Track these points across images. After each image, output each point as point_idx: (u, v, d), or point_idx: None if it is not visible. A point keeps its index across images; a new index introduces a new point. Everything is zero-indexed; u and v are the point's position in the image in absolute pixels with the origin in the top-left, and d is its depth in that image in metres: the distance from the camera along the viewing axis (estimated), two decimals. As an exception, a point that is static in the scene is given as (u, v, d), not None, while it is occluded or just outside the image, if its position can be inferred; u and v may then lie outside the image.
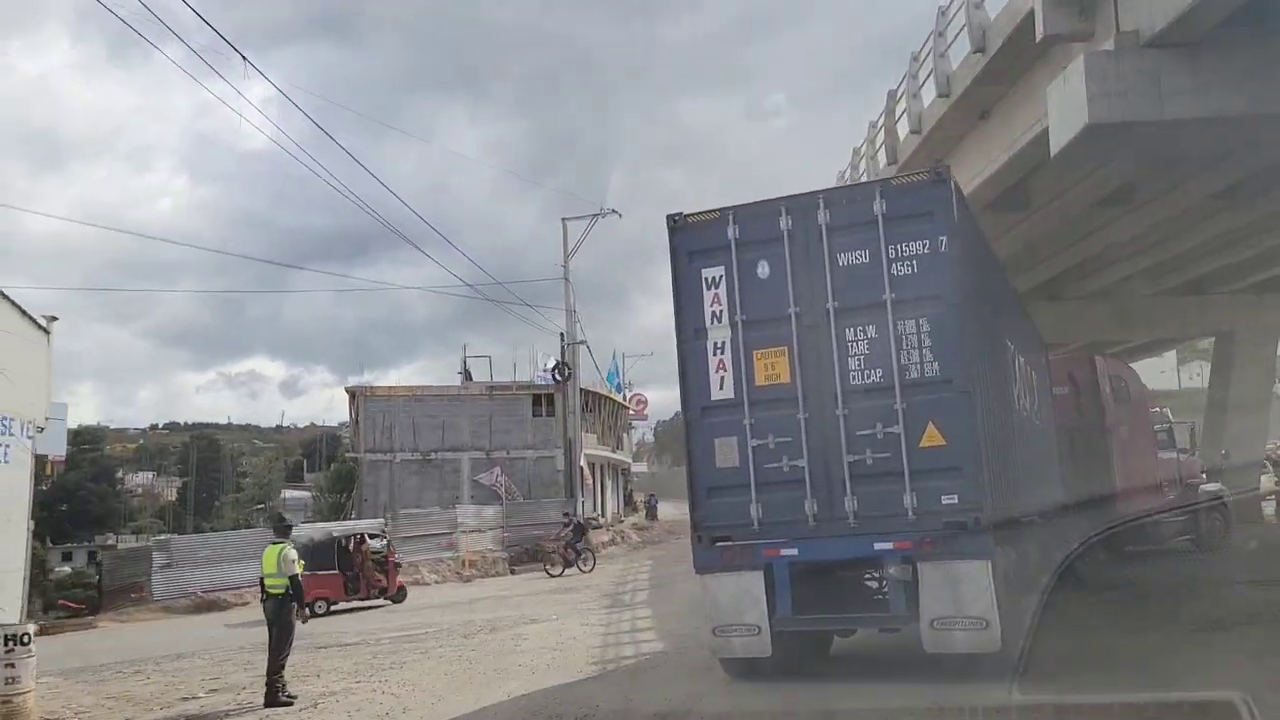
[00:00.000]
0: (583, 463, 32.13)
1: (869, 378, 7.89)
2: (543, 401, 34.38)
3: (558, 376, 32.59)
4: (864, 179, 20.85)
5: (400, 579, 20.50)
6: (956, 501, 7.51)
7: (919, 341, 7.79)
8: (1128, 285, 23.54)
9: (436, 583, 24.32)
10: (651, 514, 42.41)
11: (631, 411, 50.06)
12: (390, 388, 36.33)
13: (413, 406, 33.85)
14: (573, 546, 23.84)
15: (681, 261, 8.63)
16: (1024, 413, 10.79)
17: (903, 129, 18.60)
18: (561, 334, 32.33)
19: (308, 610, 17.28)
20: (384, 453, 33.13)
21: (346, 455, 36.58)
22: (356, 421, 34.50)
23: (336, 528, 21.44)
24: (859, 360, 7.94)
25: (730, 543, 8.11)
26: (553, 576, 22.73)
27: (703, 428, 8.38)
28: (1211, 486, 19.04)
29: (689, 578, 18.09)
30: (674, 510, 42.41)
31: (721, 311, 8.42)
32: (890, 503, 7.68)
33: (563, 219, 32.88)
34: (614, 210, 32.42)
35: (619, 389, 44.33)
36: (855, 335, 7.98)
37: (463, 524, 27.06)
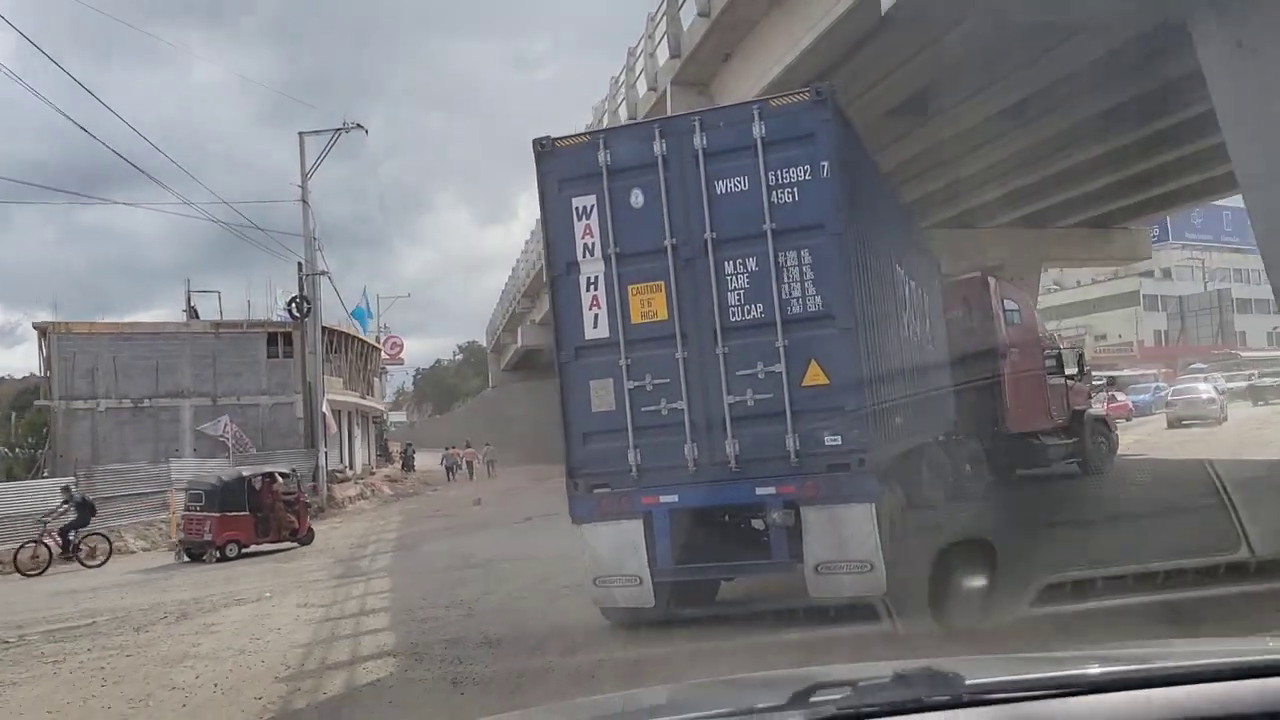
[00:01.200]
0: (326, 409, 28.22)
1: (749, 314, 7.44)
2: (279, 341, 30.19)
3: (295, 312, 28.35)
4: (640, 81, 19.49)
5: (108, 547, 18.61)
6: (840, 443, 7.18)
7: (801, 274, 7.34)
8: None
9: (145, 550, 20.47)
10: (408, 465, 40.80)
11: (385, 355, 46.58)
12: (91, 324, 30.47)
13: (120, 347, 28.88)
14: (66, 535, 17.83)
15: (550, 189, 7.96)
16: (914, 340, 10.54)
17: (687, 16, 17.05)
18: (300, 263, 28.01)
19: (218, 553, 17.32)
20: (85, 400, 28.34)
21: (36, 404, 31.07)
22: (48, 364, 29.04)
23: (246, 469, 20.41)
24: (739, 295, 7.47)
25: (607, 490, 7.66)
26: (28, 576, 16.86)
27: (577, 369, 7.83)
28: (1096, 411, 19.58)
29: (438, 535, 18.26)
30: (431, 460, 42.00)
31: (594, 244, 7.81)
32: (772, 445, 7.31)
33: (300, 133, 28.16)
34: (358, 125, 28.36)
35: (369, 328, 40.16)
36: (735, 268, 7.48)
37: (178, 481, 22.48)
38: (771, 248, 7.34)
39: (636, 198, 7.74)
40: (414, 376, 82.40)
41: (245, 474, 19.41)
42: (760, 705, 1.03)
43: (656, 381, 7.59)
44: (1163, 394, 33.63)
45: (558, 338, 7.95)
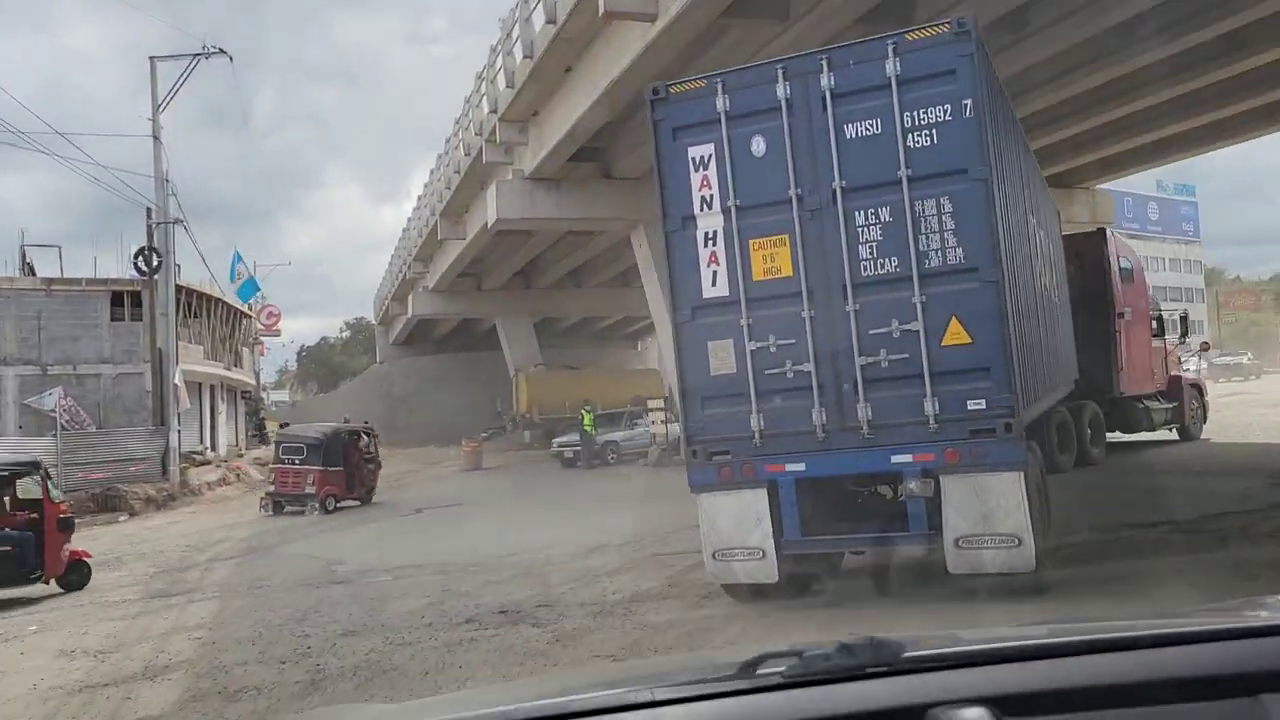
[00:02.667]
0: (179, 380, 24.19)
1: (883, 268, 6.89)
2: (126, 301, 25.80)
3: (143, 267, 24.21)
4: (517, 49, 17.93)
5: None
6: (984, 406, 6.64)
7: (940, 224, 6.77)
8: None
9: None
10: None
11: (260, 325, 42.38)
12: (-114, 279, 25.97)
13: (-78, 305, 24.42)
14: None
15: (665, 139, 7.48)
16: (1046, 296, 9.85)
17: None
18: (149, 209, 23.91)
19: (321, 506, 17.48)
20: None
21: None
22: None
23: (343, 426, 20.84)
24: (871, 248, 6.92)
25: (728, 458, 7.23)
26: None
27: (694, 330, 7.38)
28: (1191, 375, 18.69)
29: (303, 532, 15.79)
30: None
31: (712, 196, 7.32)
32: (908, 409, 6.79)
33: (151, 58, 24.88)
34: (220, 50, 25.05)
35: (243, 292, 34.38)
36: (866, 219, 6.94)
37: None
38: (908, 196, 6.78)
39: (758, 145, 7.22)
40: (299, 354, 79.09)
41: (342, 432, 19.93)
42: (708, 676, 1.06)
43: (781, 342, 7.11)
44: None
45: (673, 297, 7.51)
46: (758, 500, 7.11)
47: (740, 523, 7.17)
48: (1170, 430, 16.77)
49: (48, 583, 10.92)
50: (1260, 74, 16.72)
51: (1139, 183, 66.77)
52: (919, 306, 6.75)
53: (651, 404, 26.35)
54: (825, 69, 7.03)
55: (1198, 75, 16.42)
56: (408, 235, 38.09)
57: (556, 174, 21.02)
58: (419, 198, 34.59)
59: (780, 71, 7.18)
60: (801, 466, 7.07)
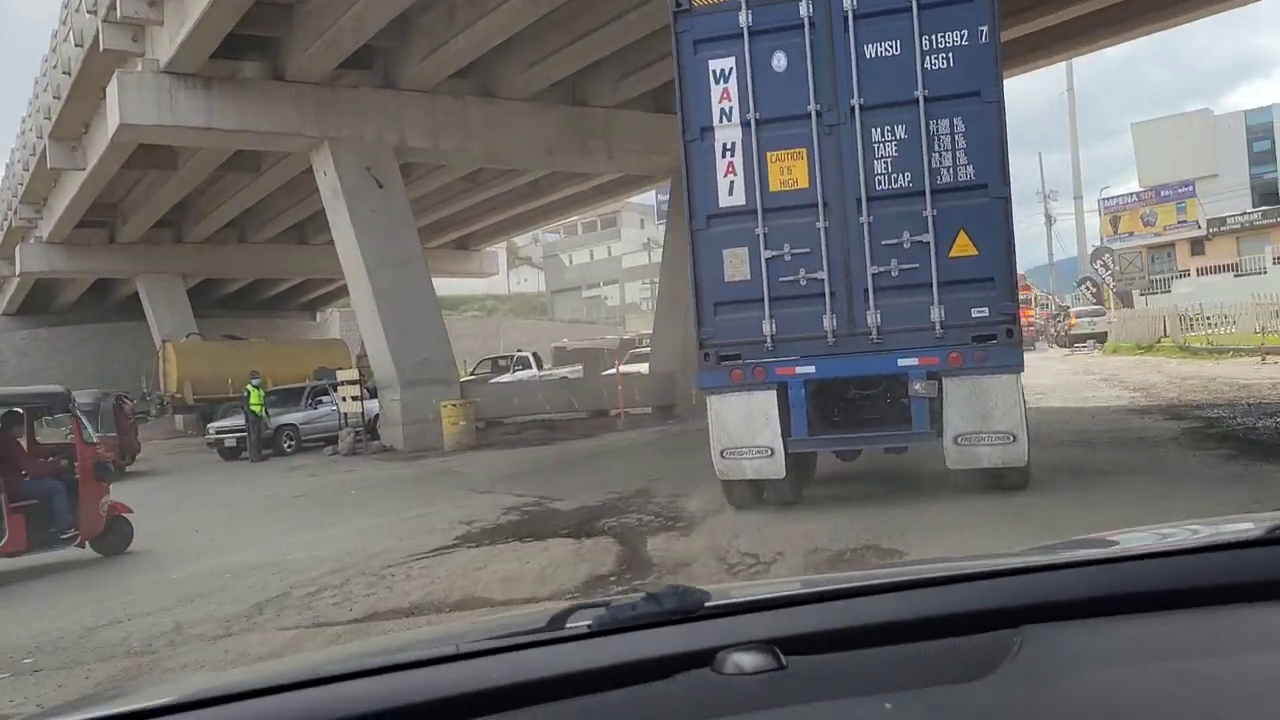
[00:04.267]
0: None
1: (896, 182, 7.30)
2: None
3: None
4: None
5: None
6: (987, 314, 7.15)
7: (953, 143, 7.20)
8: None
9: None
10: None
11: None
12: None
13: None
14: None
15: (686, 51, 7.69)
16: None
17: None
18: None
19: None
20: None
21: None
22: None
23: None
24: (886, 163, 7.31)
25: (740, 361, 7.57)
26: None
27: (710, 238, 7.66)
28: None
29: None
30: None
31: (731, 109, 7.58)
32: (916, 316, 7.25)
33: None
34: None
35: None
36: (882, 135, 7.32)
37: None
38: (923, 115, 7.18)
39: (779, 61, 7.50)
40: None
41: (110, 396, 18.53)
42: (516, 630, 1.07)
43: (795, 251, 7.46)
44: None
45: (690, 205, 7.76)
46: (768, 401, 7.48)
47: (750, 423, 7.53)
48: None
49: (83, 545, 8.66)
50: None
51: None
52: (930, 220, 7.18)
53: (343, 376, 19.95)
54: None
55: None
56: (11, 170, 29.58)
57: (205, 69, 16.30)
58: (23, 119, 26.00)
59: None
60: (811, 369, 7.46)
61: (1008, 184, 7.17)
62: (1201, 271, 38.05)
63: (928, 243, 7.20)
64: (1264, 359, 18.26)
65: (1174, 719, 0.78)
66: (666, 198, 29.97)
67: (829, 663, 0.96)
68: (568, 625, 1.06)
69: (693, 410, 16.47)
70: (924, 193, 7.20)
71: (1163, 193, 40.99)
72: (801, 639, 0.98)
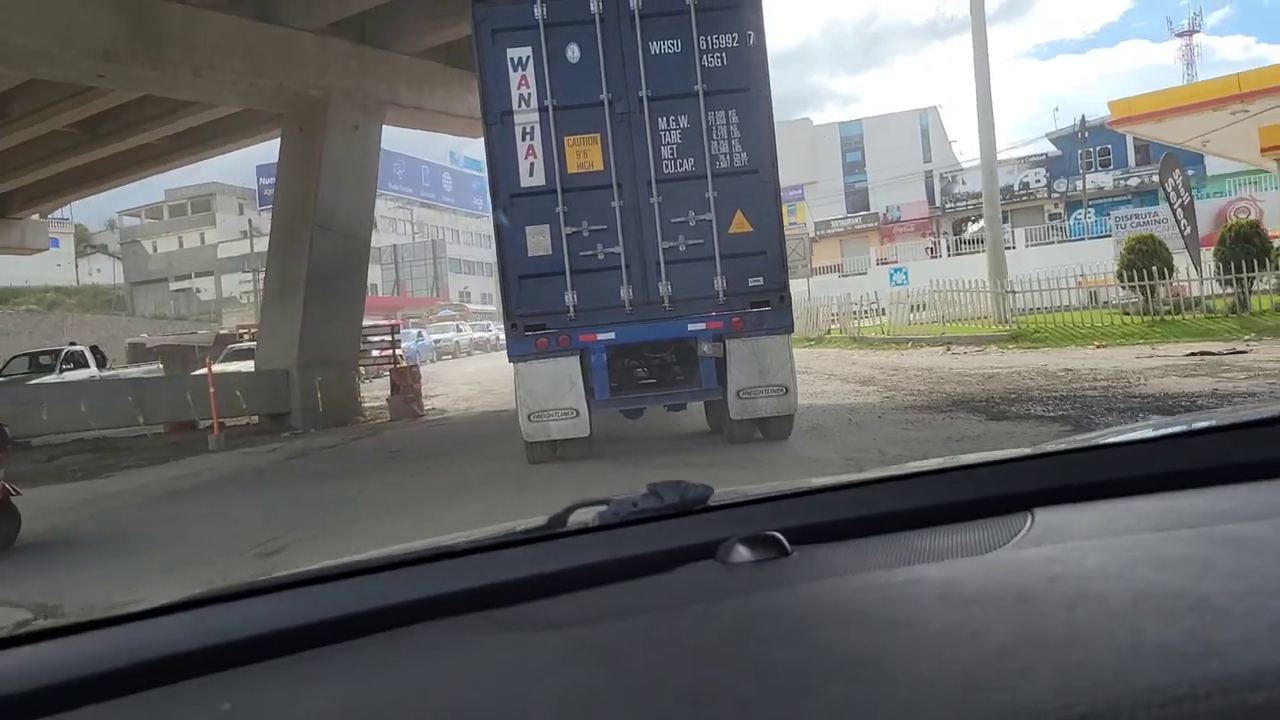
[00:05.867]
0: None
1: (681, 167, 8.16)
2: None
3: None
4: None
5: None
6: (762, 283, 8.19)
7: (729, 133, 8.17)
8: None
9: None
10: None
11: None
12: None
13: None
14: None
15: (485, 38, 8.13)
16: None
17: None
18: None
19: None
20: None
21: None
22: None
23: None
24: (672, 149, 8.16)
25: (545, 330, 8.14)
26: None
27: (513, 215, 8.16)
28: None
29: None
30: None
31: (530, 95, 8.12)
32: (702, 285, 8.16)
33: None
34: None
35: None
36: (668, 124, 8.15)
37: None
38: (703, 107, 8.09)
39: (573, 52, 8.13)
40: None
41: None
42: (520, 527, 1.06)
43: (593, 228, 8.13)
44: (426, 341, 36.26)
45: (493, 185, 8.21)
46: (572, 366, 8.12)
47: (555, 386, 8.12)
48: None
49: None
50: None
51: (436, 151, 64.52)
52: (711, 200, 8.12)
53: None
54: None
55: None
56: None
57: None
58: None
59: None
60: (612, 335, 8.18)
61: (776, 169, 8.26)
62: (812, 271, 41.98)
63: (710, 221, 8.13)
64: (948, 348, 18.33)
65: (1201, 575, 0.74)
66: (271, 180, 23.67)
67: (836, 551, 0.94)
68: (570, 522, 1.03)
69: (316, 419, 14.74)
70: (705, 176, 8.11)
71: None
72: (807, 529, 0.97)
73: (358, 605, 0.89)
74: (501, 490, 7.55)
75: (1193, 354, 13.01)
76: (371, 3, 14.79)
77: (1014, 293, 20.45)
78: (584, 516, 1.03)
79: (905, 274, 31.61)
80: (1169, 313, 17.60)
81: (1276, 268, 17.54)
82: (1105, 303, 20.04)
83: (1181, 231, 19.50)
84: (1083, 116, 44.26)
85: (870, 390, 12.57)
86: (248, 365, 18.25)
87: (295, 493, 8.82)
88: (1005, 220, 44.64)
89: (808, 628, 0.77)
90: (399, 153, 64.23)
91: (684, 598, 0.86)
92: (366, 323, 20.44)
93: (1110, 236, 26.29)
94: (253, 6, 14.71)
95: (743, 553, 0.91)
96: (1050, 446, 1.25)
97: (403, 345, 30.08)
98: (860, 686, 0.64)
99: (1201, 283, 18.26)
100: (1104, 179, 44.98)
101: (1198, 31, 77.82)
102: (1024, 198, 45.12)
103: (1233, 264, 17.19)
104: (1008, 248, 37.53)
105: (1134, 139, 43.83)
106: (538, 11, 8.06)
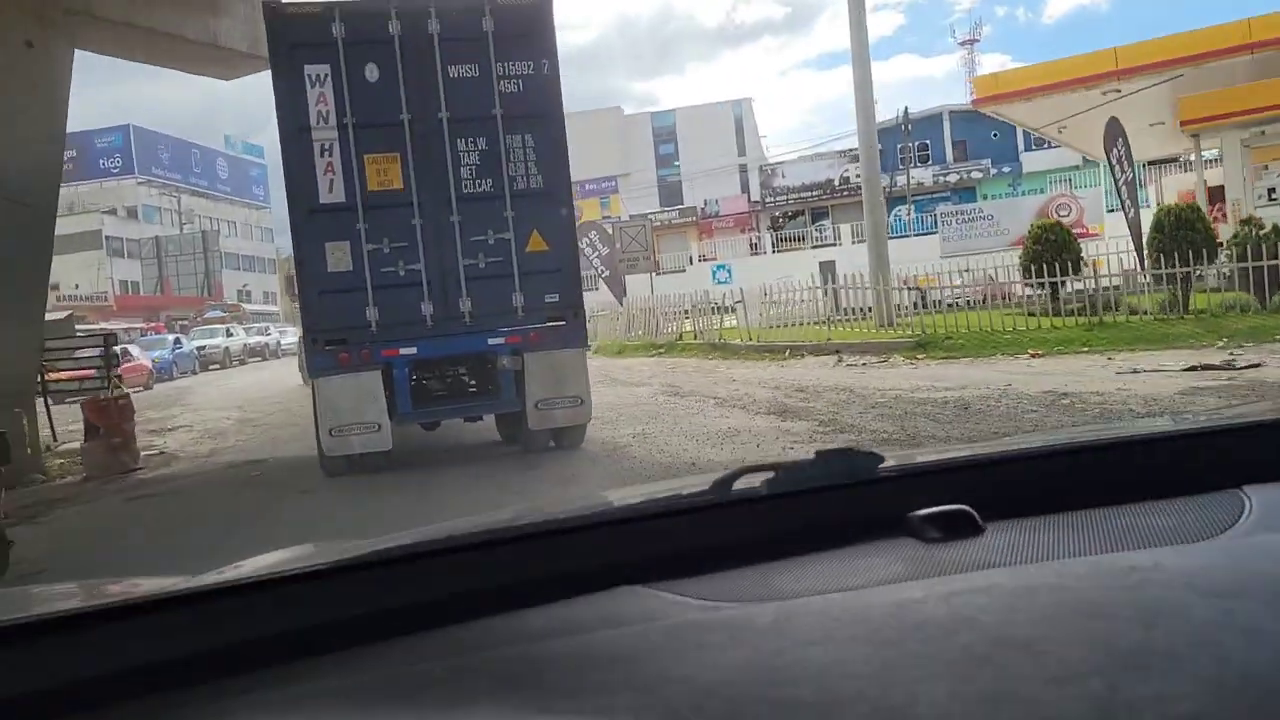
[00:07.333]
0: None
1: (481, 187, 8.46)
2: None
3: None
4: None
5: None
6: (558, 299, 8.60)
7: (525, 156, 8.52)
8: None
9: None
10: None
11: None
12: None
13: None
14: None
15: (282, 53, 8.18)
16: None
17: None
18: None
19: None
20: None
21: None
22: None
23: None
24: (471, 170, 8.44)
25: (347, 345, 8.29)
26: None
27: (311, 231, 8.26)
28: None
29: None
30: None
31: (328, 112, 8.22)
32: (501, 301, 8.49)
33: None
34: None
35: None
36: (467, 146, 8.43)
37: None
38: (501, 131, 8.41)
39: (371, 72, 8.27)
40: None
41: None
42: (686, 492, 1.02)
43: (395, 245, 8.33)
44: (186, 349, 32.79)
45: (290, 199, 8.27)
46: (374, 381, 8.30)
47: (358, 401, 8.29)
48: None
49: None
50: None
51: (209, 135, 61.30)
52: (510, 220, 8.46)
53: None
54: (433, 16, 8.33)
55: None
56: None
57: None
58: None
59: (393, 10, 8.29)
60: (414, 350, 8.42)
61: (570, 191, 8.68)
62: (657, 266, 38.12)
63: (508, 239, 8.48)
64: (840, 358, 14.92)
65: None
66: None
67: (1032, 527, 0.88)
68: (735, 488, 0.99)
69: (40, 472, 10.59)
70: (504, 196, 8.44)
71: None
72: (1000, 501, 0.92)
73: (517, 574, 0.89)
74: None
75: (1192, 368, 10.25)
76: None
77: (909, 289, 18.53)
78: (749, 483, 0.99)
79: (729, 271, 32.06)
80: (1080, 310, 15.17)
81: (1232, 256, 14.77)
82: (995, 301, 17.44)
83: (1126, 213, 17.45)
84: (905, 108, 45.88)
85: (803, 430, 8.46)
86: None
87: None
88: (826, 216, 46.90)
89: (1047, 615, 0.68)
90: (162, 132, 59.91)
91: (873, 573, 0.83)
92: (80, 330, 17.84)
93: (936, 234, 26.12)
94: None
95: (931, 527, 0.88)
96: (1254, 418, 1.18)
97: (151, 356, 27.43)
98: (1137, 680, 0.57)
99: (1146, 276, 15.57)
100: (924, 175, 46.65)
101: (978, 40, 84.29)
102: (844, 193, 46.34)
103: (1175, 256, 14.64)
104: (831, 244, 38.53)
105: (951, 137, 46.61)
106: (336, 30, 8.16)
